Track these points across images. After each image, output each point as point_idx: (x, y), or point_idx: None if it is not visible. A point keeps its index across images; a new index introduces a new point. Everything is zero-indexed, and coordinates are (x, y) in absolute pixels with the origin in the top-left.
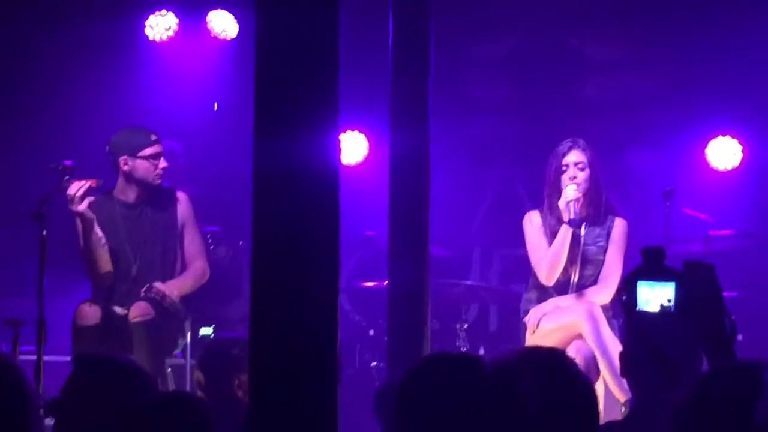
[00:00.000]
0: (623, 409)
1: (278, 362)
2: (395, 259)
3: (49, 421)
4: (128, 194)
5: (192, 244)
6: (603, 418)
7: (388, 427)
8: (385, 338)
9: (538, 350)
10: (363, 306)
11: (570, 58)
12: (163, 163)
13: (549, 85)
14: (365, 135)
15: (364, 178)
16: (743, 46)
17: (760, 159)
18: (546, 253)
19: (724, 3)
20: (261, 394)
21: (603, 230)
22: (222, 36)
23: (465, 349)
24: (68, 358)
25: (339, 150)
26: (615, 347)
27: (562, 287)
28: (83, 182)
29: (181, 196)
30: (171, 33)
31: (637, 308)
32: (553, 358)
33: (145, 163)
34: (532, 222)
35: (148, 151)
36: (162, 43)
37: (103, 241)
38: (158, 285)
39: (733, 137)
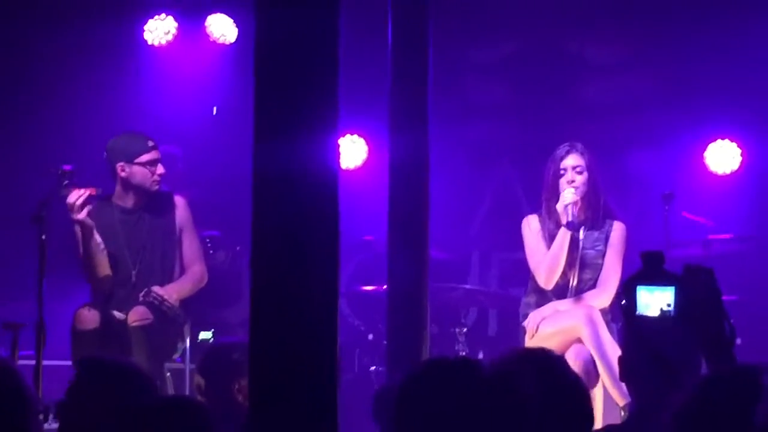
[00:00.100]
0: (622, 413)
1: (278, 366)
2: (394, 263)
3: (49, 425)
4: (126, 200)
5: (190, 248)
6: (602, 422)
7: (387, 430)
8: (385, 342)
9: (532, 351)
10: (362, 310)
11: (569, 61)
12: (160, 169)
13: (548, 87)
14: (364, 139)
15: (363, 182)
16: (743, 48)
17: (759, 162)
18: (545, 256)
19: (724, 5)
20: (261, 398)
21: (601, 234)
22: (221, 40)
23: (464, 354)
24: (67, 363)
25: (338, 154)
26: (614, 351)
27: (560, 291)
28: (82, 191)
29: (179, 200)
30: (170, 37)
31: (637, 312)
32: (547, 359)
33: (143, 170)
34: (531, 226)
35: (145, 157)
36: (161, 47)
37: (102, 246)
38: (157, 289)
39: (732, 141)
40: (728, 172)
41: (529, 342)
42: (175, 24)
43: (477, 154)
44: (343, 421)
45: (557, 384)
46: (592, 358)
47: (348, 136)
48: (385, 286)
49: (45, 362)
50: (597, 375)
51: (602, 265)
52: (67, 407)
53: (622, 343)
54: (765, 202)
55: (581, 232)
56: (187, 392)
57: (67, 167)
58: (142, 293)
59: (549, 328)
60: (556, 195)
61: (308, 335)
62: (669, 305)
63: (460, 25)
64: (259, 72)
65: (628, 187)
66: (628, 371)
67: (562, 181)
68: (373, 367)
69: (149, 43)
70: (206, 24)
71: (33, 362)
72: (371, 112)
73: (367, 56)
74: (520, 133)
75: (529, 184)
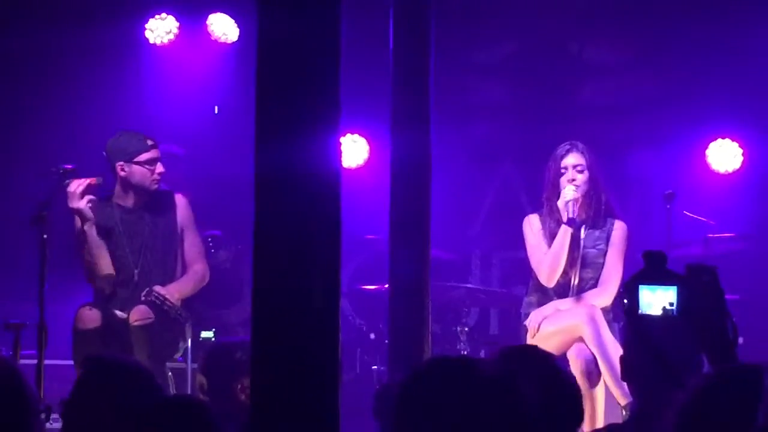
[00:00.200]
0: (624, 412)
1: (279, 365)
2: (396, 263)
3: (51, 425)
4: (127, 199)
5: (192, 247)
6: (604, 421)
7: (386, 428)
8: (386, 341)
9: (521, 349)
10: (364, 309)
11: (570, 61)
12: (159, 168)
13: (549, 87)
14: (366, 138)
15: (365, 182)
16: (744, 48)
17: (761, 162)
18: (546, 255)
19: (725, 5)
20: (262, 397)
21: (602, 233)
22: (222, 39)
23: (466, 353)
24: (69, 362)
25: (340, 153)
26: (616, 350)
27: (562, 290)
28: (83, 180)
29: (181, 199)
30: (171, 36)
31: (639, 312)
32: (539, 357)
33: (142, 169)
34: (532, 225)
35: (144, 156)
36: (162, 46)
37: (103, 243)
38: (158, 289)
39: (733, 140)
40: (730, 171)
41: (531, 341)
42: (177, 23)
43: (478, 154)
44: (345, 421)
45: (550, 383)
46: (593, 357)
47: (349, 135)
48: (386, 286)
49: (46, 362)
50: (598, 374)
51: (603, 264)
52: (71, 406)
53: (624, 342)
54: (766, 201)
55: (582, 230)
56: (188, 392)
57: (68, 166)
58: (144, 293)
59: (550, 327)
60: (557, 194)
61: (310, 334)
62: (671, 304)
63: (462, 25)
64: (261, 71)
65: (630, 187)
66: (629, 371)
67: (563, 180)
68: (374, 367)
69: (150, 42)
70: (207, 23)
71: (35, 362)
72: (373, 112)
73: (369, 56)
74: (521, 132)
75: (531, 184)
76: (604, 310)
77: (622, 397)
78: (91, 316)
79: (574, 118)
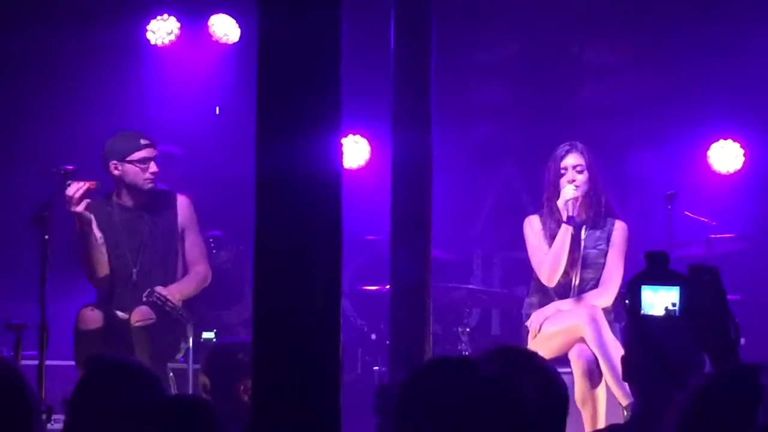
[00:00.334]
0: (625, 413)
1: (281, 366)
2: (397, 263)
3: (52, 426)
4: (126, 199)
5: (193, 247)
6: (605, 421)
7: (386, 427)
8: (387, 342)
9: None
10: (365, 310)
11: (571, 62)
12: (153, 167)
13: (550, 88)
14: (367, 139)
15: (366, 182)
16: (745, 48)
17: (762, 162)
18: (547, 255)
19: (725, 5)
20: (264, 397)
21: (603, 233)
22: (223, 40)
23: (467, 353)
24: (70, 363)
25: (341, 154)
26: (617, 351)
27: (563, 290)
28: (82, 183)
29: (182, 199)
30: (173, 37)
31: (642, 312)
32: (527, 356)
33: (134, 168)
34: (533, 226)
35: (137, 155)
36: (164, 47)
37: (102, 242)
38: (160, 289)
39: (734, 140)
40: (731, 171)
41: (532, 342)
42: (178, 24)
43: (479, 155)
44: (346, 421)
45: (541, 382)
46: (595, 357)
47: (351, 136)
48: (387, 286)
49: (48, 362)
50: (600, 374)
51: (604, 264)
52: (74, 406)
53: (625, 342)
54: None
55: (583, 231)
56: (190, 392)
57: (69, 167)
58: (146, 293)
59: (552, 327)
60: (557, 194)
61: (311, 335)
62: (674, 305)
63: (463, 26)
64: (262, 72)
65: (631, 187)
66: (631, 371)
67: (563, 181)
68: (376, 367)
69: (152, 43)
70: (209, 24)
71: (36, 362)
72: (374, 113)
73: (370, 56)
74: (522, 133)
75: (532, 184)
76: (605, 311)
77: (623, 397)
78: (93, 317)
79: (575, 118)
